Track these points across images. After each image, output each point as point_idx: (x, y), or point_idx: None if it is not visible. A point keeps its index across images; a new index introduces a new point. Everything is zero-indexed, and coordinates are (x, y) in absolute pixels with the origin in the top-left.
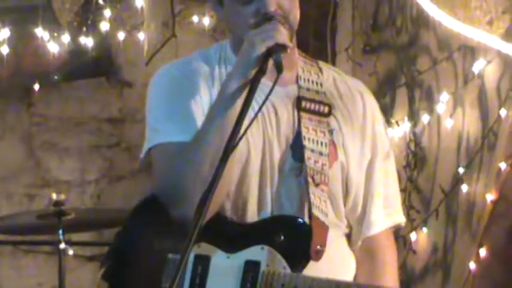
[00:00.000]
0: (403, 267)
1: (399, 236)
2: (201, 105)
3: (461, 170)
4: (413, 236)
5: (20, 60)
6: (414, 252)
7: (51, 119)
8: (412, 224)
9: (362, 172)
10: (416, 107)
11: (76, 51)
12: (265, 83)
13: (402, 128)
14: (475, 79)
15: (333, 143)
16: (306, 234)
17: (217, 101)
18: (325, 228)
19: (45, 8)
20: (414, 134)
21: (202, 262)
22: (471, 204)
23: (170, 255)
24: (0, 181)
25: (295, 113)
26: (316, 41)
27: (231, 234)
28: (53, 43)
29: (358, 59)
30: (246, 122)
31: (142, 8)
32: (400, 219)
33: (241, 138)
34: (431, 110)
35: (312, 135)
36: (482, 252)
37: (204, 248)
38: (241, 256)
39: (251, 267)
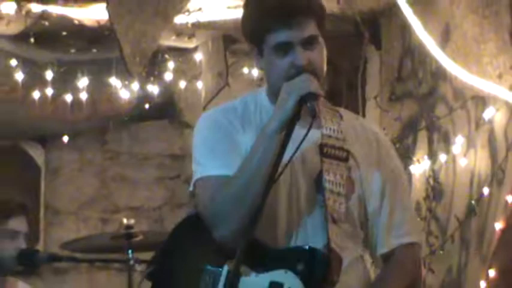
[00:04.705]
0: (422, 285)
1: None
2: (239, 146)
3: (473, 202)
4: (431, 257)
5: (96, 105)
6: (433, 272)
7: (122, 154)
8: (431, 248)
9: (378, 200)
10: (435, 147)
11: (144, 97)
12: (296, 126)
13: (423, 165)
14: (485, 124)
15: (350, 179)
16: (324, 266)
17: (258, 141)
18: (339, 260)
19: (118, 61)
20: (433, 170)
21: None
22: (482, 231)
23: (208, 266)
24: (79, 207)
25: (318, 157)
26: (348, 90)
27: (260, 256)
28: (125, 90)
29: (385, 106)
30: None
31: (200, 61)
32: (409, 239)
33: (280, 175)
34: (447, 151)
35: (332, 177)
36: (491, 273)
37: None
38: (267, 277)
39: (275, 287)
